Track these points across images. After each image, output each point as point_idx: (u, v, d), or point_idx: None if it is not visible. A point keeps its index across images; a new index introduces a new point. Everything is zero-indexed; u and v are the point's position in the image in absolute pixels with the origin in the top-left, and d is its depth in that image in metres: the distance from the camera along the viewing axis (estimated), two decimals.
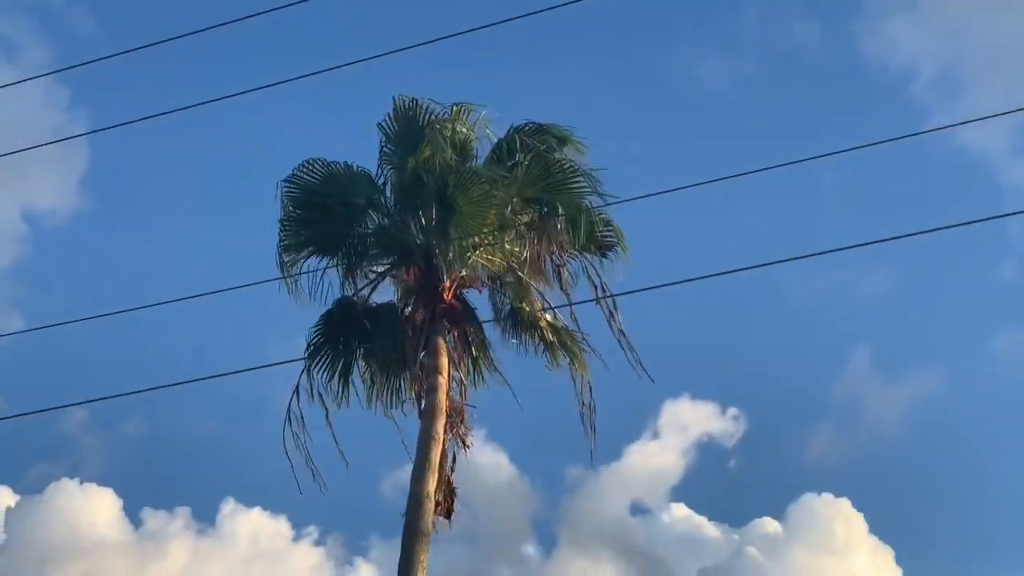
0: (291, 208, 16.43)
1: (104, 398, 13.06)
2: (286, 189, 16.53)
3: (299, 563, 33.90)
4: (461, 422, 15.88)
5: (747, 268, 11.48)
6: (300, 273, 16.32)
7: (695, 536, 33.23)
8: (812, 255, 11.35)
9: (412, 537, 14.12)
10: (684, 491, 35.33)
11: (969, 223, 10.66)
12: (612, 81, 41.55)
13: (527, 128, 16.94)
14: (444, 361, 15.48)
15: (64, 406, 13.89)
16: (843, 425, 37.71)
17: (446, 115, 17.06)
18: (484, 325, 16.78)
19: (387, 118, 17.03)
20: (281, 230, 16.30)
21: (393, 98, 17.09)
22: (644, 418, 35.76)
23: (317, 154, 16.72)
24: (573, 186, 16.60)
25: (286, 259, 16.24)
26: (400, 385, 16.57)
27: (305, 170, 16.64)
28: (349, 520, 31.91)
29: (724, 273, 11.47)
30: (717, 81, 41.91)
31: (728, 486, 36.44)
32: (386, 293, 16.98)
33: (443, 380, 15.30)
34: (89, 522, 32.41)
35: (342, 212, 16.45)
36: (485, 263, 16.40)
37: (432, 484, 14.57)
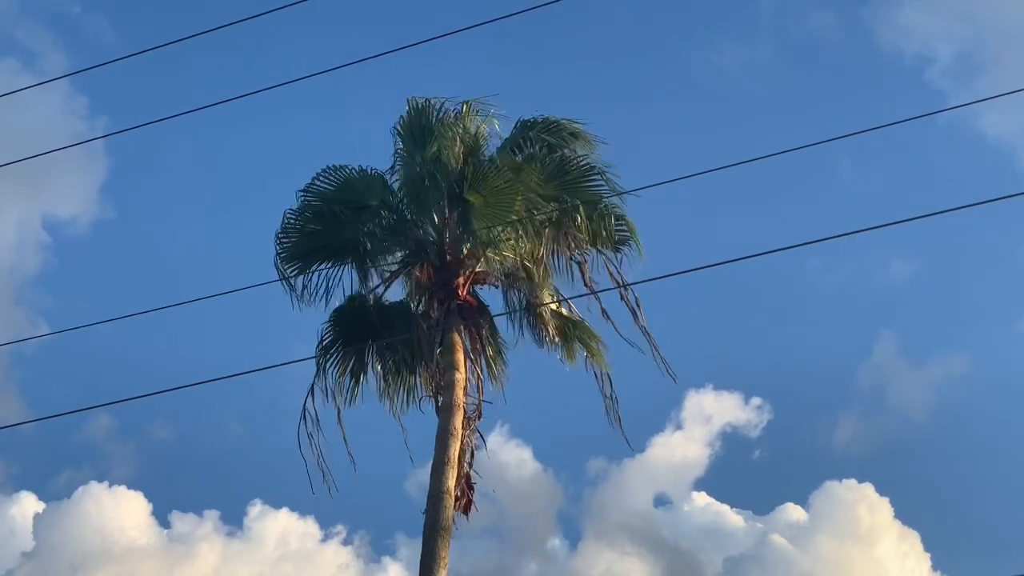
0: (290, 220, 16.57)
1: (128, 399, 13.08)
2: (303, 198, 16.75)
3: (328, 563, 34.03)
4: (478, 418, 15.95)
5: (768, 252, 11.32)
6: (303, 274, 16.43)
7: (719, 525, 33.18)
8: (833, 237, 11.22)
9: (433, 533, 14.21)
10: (708, 483, 35.30)
11: (992, 200, 10.57)
12: (630, 72, 41.58)
13: (538, 123, 16.99)
14: (460, 357, 15.53)
15: (88, 408, 13.96)
16: (869, 412, 37.57)
17: (457, 112, 17.14)
18: (498, 322, 16.87)
19: (401, 119, 17.20)
20: (278, 243, 16.39)
21: (407, 100, 17.27)
22: (667, 410, 35.73)
23: (334, 154, 16.93)
24: (589, 184, 16.63)
25: (287, 269, 16.36)
26: (416, 382, 16.69)
27: (321, 179, 16.84)
28: (375, 519, 32.06)
29: (742, 259, 11.36)
30: (735, 70, 41.84)
31: (753, 476, 36.39)
32: (399, 292, 17.11)
33: (459, 376, 15.34)
34: (118, 526, 32.60)
35: (352, 214, 16.55)
36: (501, 258, 16.41)
37: (451, 480, 14.64)
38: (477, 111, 17.32)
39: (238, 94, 12.09)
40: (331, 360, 16.53)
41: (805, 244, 11.28)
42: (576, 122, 17.01)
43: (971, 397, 35.82)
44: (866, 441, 36.87)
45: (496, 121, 17.27)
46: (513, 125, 17.19)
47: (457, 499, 14.97)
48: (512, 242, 16.09)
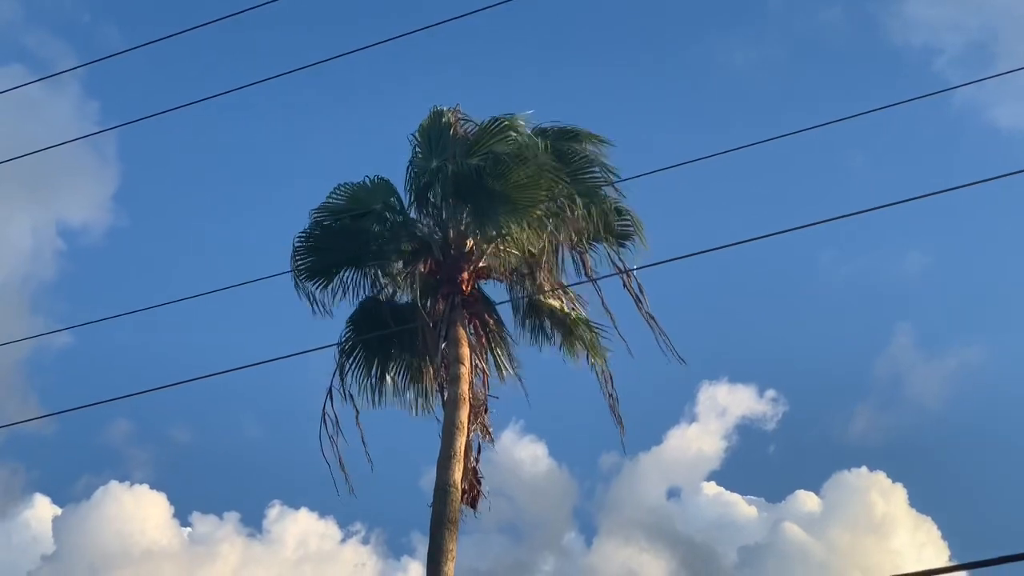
0: (301, 241, 16.70)
1: (146, 391, 13.13)
2: (314, 216, 16.92)
3: (347, 562, 34.19)
4: (484, 412, 16.04)
5: (776, 233, 11.28)
6: (324, 290, 16.62)
7: (731, 516, 33.18)
8: (842, 217, 11.19)
9: (439, 526, 14.29)
10: (723, 476, 35.26)
11: (1006, 175, 10.59)
12: (642, 72, 41.65)
13: (551, 130, 17.16)
14: (465, 351, 15.63)
15: (105, 401, 14.02)
16: (885, 404, 37.46)
17: (472, 118, 17.34)
18: (505, 318, 16.97)
19: (421, 126, 17.30)
20: (293, 267, 16.48)
21: (432, 108, 17.44)
22: (681, 403, 35.76)
23: (348, 160, 17.04)
24: (588, 176, 16.74)
25: (310, 287, 16.55)
26: (424, 379, 16.81)
27: (331, 196, 17.00)
28: (391, 517, 32.18)
29: (748, 241, 11.30)
30: (746, 69, 41.83)
31: (768, 469, 36.37)
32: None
33: (465, 370, 15.42)
34: (139, 528, 32.77)
35: (359, 220, 16.73)
36: (505, 253, 16.48)
37: (457, 473, 14.71)
38: (492, 117, 17.49)
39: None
40: (352, 362, 16.72)
41: (816, 224, 11.17)
42: (592, 133, 17.23)
43: (988, 387, 35.68)
44: (883, 432, 36.77)
45: (516, 131, 17.41)
46: (527, 133, 17.32)
47: (464, 493, 15.04)
48: (517, 236, 16.19)
